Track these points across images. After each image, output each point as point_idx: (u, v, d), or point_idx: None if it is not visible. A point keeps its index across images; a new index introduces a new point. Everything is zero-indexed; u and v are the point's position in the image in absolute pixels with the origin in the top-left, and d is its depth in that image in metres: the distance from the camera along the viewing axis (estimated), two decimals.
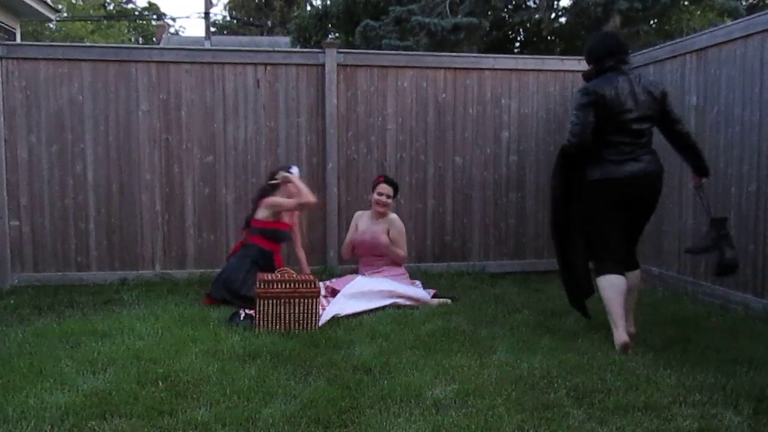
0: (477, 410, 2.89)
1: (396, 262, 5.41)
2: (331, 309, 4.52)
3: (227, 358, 3.56)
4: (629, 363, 3.53)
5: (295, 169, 5.32)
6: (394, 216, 5.51)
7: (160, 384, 3.16)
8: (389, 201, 5.43)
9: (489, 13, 11.85)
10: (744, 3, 11.73)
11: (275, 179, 5.22)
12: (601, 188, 3.88)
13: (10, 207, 5.67)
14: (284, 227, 5.21)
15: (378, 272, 5.29)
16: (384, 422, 2.77)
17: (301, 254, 5.53)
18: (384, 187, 5.40)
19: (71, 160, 5.76)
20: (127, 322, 4.24)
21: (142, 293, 5.25)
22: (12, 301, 5.04)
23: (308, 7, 24.53)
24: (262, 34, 30.95)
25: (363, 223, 5.49)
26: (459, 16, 10.82)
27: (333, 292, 4.98)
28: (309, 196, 5.13)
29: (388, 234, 5.38)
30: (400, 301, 4.86)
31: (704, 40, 5.26)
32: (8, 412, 2.82)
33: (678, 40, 5.88)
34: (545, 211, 5.37)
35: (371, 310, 4.61)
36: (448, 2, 11.11)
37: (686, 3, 11.59)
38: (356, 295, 4.75)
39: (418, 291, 5.12)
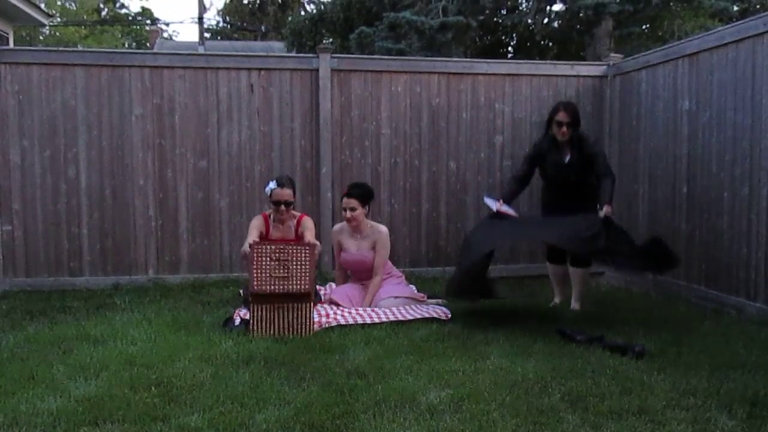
0: (471, 415, 2.89)
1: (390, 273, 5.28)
2: (337, 318, 4.48)
3: (221, 364, 3.54)
4: (623, 367, 3.53)
5: (272, 184, 4.85)
6: (380, 229, 5.06)
7: (153, 390, 3.14)
8: (357, 213, 4.94)
9: (481, 17, 11.89)
10: (735, 8, 11.81)
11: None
12: None
13: (2, 212, 5.63)
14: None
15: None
16: (378, 427, 2.77)
17: None
18: (345, 202, 4.97)
19: (64, 164, 5.73)
20: (120, 328, 4.22)
21: (135, 298, 5.23)
22: (4, 306, 5.01)
23: (302, 12, 24.58)
24: (256, 39, 30.93)
25: (346, 240, 5.09)
26: (448, 16, 10.90)
27: (331, 303, 4.93)
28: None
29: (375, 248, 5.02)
30: (403, 312, 4.68)
31: (696, 44, 5.29)
32: None
33: (670, 44, 5.91)
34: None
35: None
36: (441, 6, 11.16)
37: (677, 7, 11.66)
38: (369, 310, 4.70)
39: (415, 293, 5.11)
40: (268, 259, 4.18)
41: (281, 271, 4.18)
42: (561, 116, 4.84)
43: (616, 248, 4.46)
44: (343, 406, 2.97)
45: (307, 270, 4.22)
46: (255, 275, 4.19)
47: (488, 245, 4.70)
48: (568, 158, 4.89)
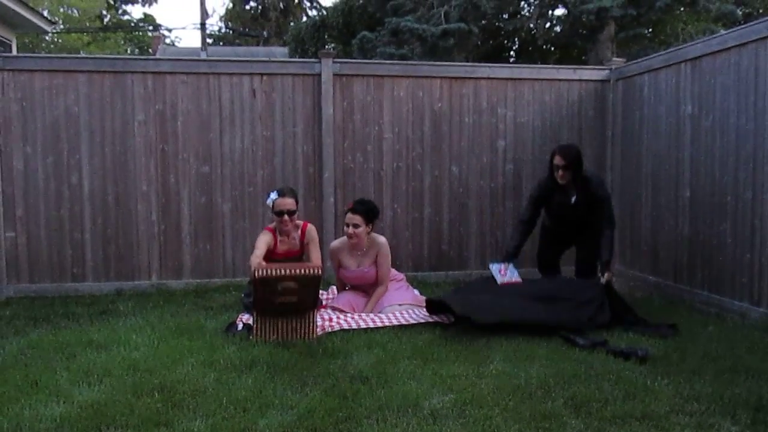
0: (474, 420, 2.88)
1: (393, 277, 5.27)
2: (340, 323, 4.47)
3: (223, 369, 3.54)
4: (626, 372, 3.52)
5: (273, 194, 4.76)
6: (379, 240, 4.97)
7: (156, 395, 3.14)
8: (359, 230, 4.83)
9: (483, 22, 11.92)
10: (740, 12, 11.81)
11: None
12: None
13: (5, 218, 5.65)
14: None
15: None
16: None
17: None
18: (349, 217, 4.85)
19: (67, 170, 5.75)
20: (123, 333, 4.22)
21: (138, 304, 5.23)
22: (7, 312, 5.02)
23: (304, 18, 24.64)
24: (258, 45, 31.00)
25: (345, 258, 5.00)
26: (450, 23, 10.93)
27: (333, 309, 4.89)
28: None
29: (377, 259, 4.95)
30: (408, 316, 4.68)
31: (699, 48, 5.29)
32: (3, 425, 2.81)
33: (673, 48, 5.91)
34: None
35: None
36: (443, 12, 11.18)
37: (681, 10, 11.67)
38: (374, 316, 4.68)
39: (417, 298, 5.10)
40: (271, 294, 4.07)
41: (285, 302, 4.09)
42: (557, 160, 4.85)
43: (619, 316, 4.50)
44: (346, 411, 2.97)
45: (312, 293, 4.17)
46: (258, 300, 4.11)
47: (477, 312, 4.43)
48: (573, 199, 4.90)
